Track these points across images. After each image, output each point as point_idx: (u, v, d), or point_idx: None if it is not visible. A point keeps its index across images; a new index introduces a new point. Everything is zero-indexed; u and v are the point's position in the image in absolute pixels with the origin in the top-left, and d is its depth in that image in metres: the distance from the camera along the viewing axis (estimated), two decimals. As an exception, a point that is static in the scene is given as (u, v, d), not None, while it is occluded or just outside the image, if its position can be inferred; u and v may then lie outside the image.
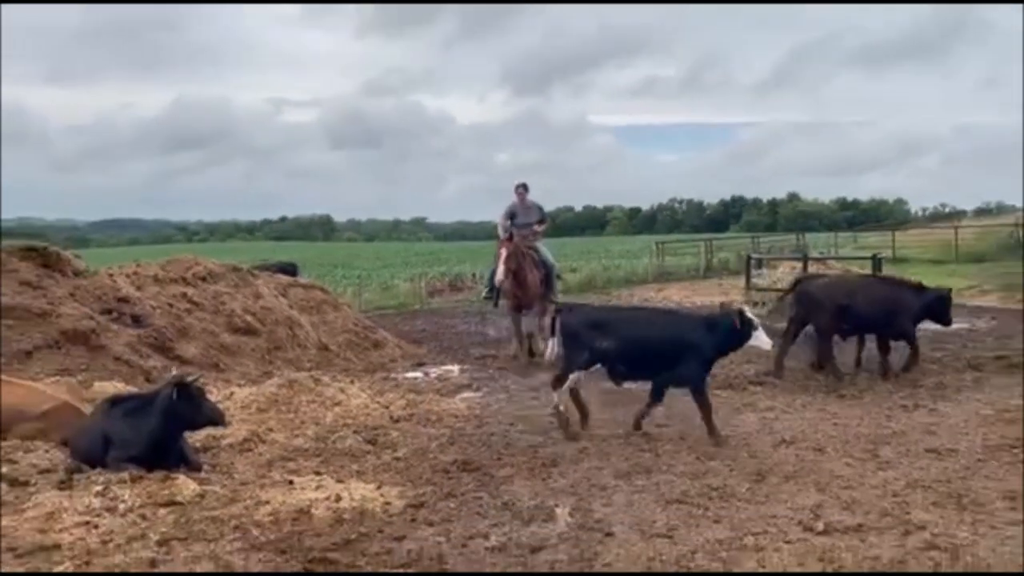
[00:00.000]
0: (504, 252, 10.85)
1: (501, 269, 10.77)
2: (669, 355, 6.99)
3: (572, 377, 7.13)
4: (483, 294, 12.79)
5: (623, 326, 7.23)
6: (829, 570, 4.20)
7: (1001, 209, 60.97)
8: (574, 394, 7.25)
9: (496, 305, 12.21)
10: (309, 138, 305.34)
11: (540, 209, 12.03)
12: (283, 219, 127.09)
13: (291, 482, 5.73)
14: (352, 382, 9.17)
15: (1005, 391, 8.47)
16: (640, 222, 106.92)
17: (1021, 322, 13.35)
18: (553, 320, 7.42)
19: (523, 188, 11.76)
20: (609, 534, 4.76)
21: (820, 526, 4.79)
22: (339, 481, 5.77)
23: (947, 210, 74.68)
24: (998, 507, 5.09)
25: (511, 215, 11.62)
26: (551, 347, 7.47)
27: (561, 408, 7.14)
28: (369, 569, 4.37)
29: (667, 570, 4.26)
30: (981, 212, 61.31)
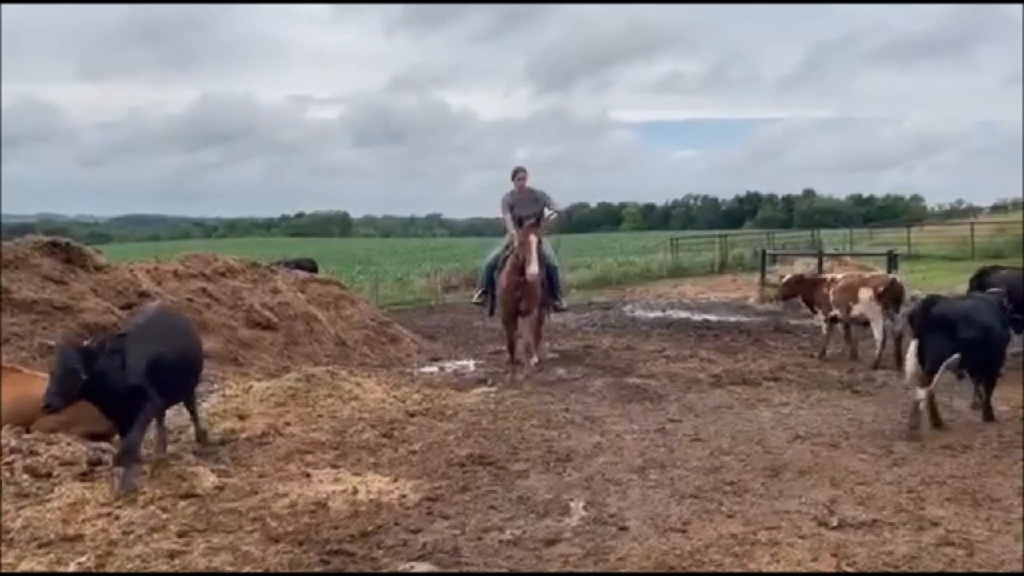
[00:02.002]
0: (533, 239, 9.32)
1: (534, 262, 9.25)
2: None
3: (936, 376, 6.77)
4: (475, 298, 11.00)
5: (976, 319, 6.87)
6: (844, 565, 4.21)
7: (1017, 206, 60.31)
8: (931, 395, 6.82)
9: (492, 312, 10.47)
10: (333, 135, 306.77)
11: (544, 196, 10.06)
12: (300, 215, 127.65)
13: (308, 475, 5.81)
14: (369, 377, 9.24)
15: (1019, 388, 8.41)
16: (654, 218, 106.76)
17: None
18: (917, 315, 6.95)
19: (523, 173, 10.04)
20: (623, 528, 4.80)
21: (834, 521, 4.80)
22: (356, 474, 5.84)
23: (963, 207, 74.02)
24: (1013, 504, 5.08)
25: (510, 207, 9.90)
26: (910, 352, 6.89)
27: (922, 407, 6.74)
28: (385, 561, 4.43)
29: (681, 564, 4.29)
30: (997, 209, 60.64)
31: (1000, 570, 4.14)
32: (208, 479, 5.56)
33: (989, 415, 7.13)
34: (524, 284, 9.49)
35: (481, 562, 4.38)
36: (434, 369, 10.69)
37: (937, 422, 6.96)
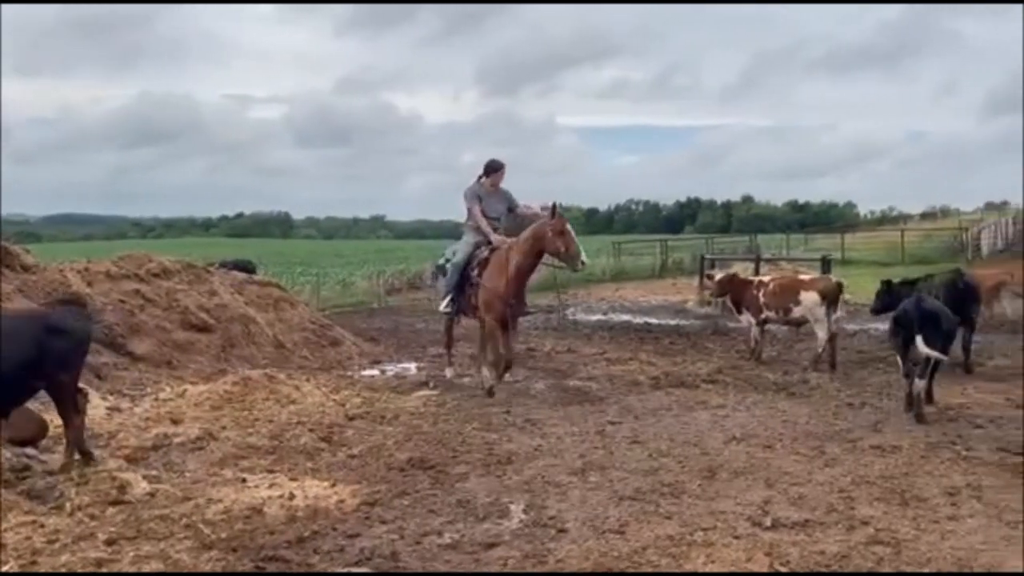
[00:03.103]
0: (570, 227, 8.56)
1: (583, 252, 8.59)
2: None
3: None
4: (443, 306, 9.41)
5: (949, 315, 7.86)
6: (777, 565, 4.29)
7: (946, 213, 62.56)
8: None
9: (454, 318, 9.64)
10: (276, 135, 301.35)
11: (511, 197, 9.24)
12: (240, 216, 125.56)
13: (244, 480, 5.70)
14: (308, 380, 9.12)
15: (946, 389, 8.71)
16: (597, 222, 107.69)
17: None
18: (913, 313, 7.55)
19: (503, 171, 9.13)
20: (562, 530, 4.80)
21: (768, 521, 4.88)
22: (293, 479, 5.75)
23: (894, 213, 76.40)
24: (939, 503, 5.23)
25: (479, 198, 9.06)
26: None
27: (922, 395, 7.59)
28: (322, 567, 4.36)
29: (619, 565, 4.32)
30: (926, 216, 62.84)
31: (926, 568, 4.25)
32: (138, 485, 5.41)
33: (930, 398, 7.80)
34: (519, 287, 8.78)
35: (420, 566, 4.35)
36: (375, 372, 10.60)
37: (918, 414, 7.50)
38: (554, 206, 8.62)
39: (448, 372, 9.75)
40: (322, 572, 4.32)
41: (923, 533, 4.72)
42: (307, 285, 23.08)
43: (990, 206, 57.87)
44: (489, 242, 8.97)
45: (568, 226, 8.54)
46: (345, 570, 4.32)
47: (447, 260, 9.42)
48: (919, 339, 7.47)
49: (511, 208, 9.22)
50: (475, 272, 8.92)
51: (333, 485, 5.62)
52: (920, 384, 7.60)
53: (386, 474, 5.92)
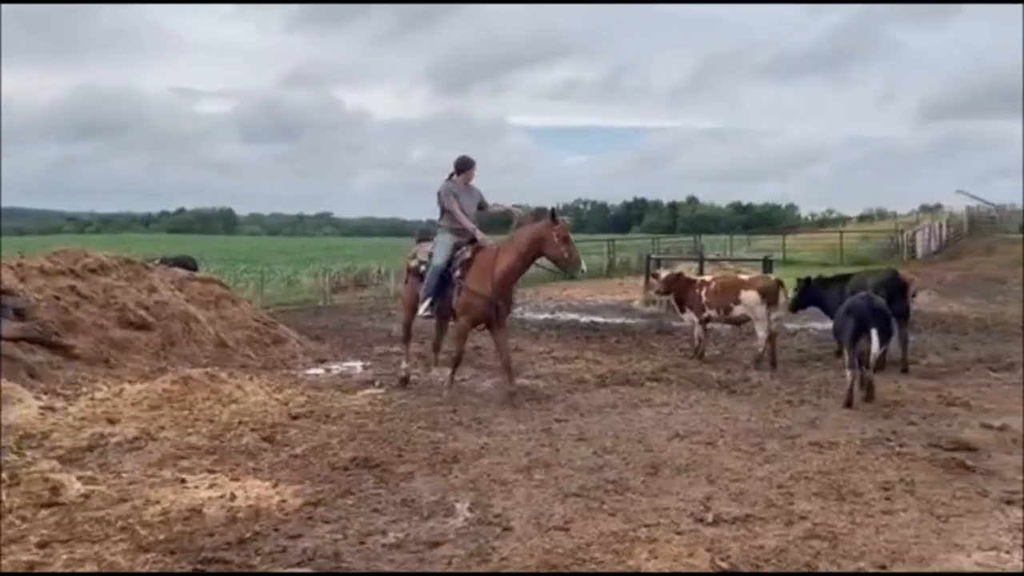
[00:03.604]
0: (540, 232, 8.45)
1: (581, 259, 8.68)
2: None
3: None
4: (422, 310, 8.84)
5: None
6: (717, 560, 4.35)
7: (882, 215, 64.34)
8: None
9: (439, 319, 9.18)
10: (221, 130, 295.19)
11: (481, 195, 9.04)
12: (182, 211, 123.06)
13: (183, 481, 5.59)
14: (250, 379, 8.96)
15: (882, 386, 8.95)
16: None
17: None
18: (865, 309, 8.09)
19: (474, 168, 8.93)
20: (507, 528, 4.81)
21: (710, 517, 4.95)
22: (234, 479, 5.66)
23: (834, 216, 78.35)
24: (874, 497, 5.37)
25: (455, 195, 8.77)
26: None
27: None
28: (263, 568, 4.30)
29: (563, 562, 4.34)
30: (864, 218, 64.57)
31: (860, 561, 4.36)
32: (73, 487, 5.26)
33: (872, 395, 8.24)
34: (507, 288, 8.63)
35: (363, 566, 4.31)
36: (320, 371, 10.47)
37: (868, 398, 8.20)
38: (554, 211, 8.66)
39: (404, 365, 9.49)
40: (263, 573, 4.26)
41: (858, 527, 4.84)
42: (251, 282, 22.73)
43: (925, 209, 59.66)
44: (473, 240, 8.71)
45: (560, 237, 8.43)
46: (287, 571, 4.27)
47: (422, 262, 8.99)
48: (873, 333, 7.94)
49: (481, 206, 9.02)
50: (456, 273, 8.61)
51: (275, 485, 5.55)
52: (870, 374, 8.20)
53: (330, 474, 5.86)
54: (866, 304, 8.28)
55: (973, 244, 35.18)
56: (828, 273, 12.91)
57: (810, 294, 11.21)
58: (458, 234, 8.75)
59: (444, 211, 8.83)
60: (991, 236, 36.31)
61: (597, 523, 4.88)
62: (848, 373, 8.20)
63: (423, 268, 8.91)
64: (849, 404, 7.98)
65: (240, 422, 7.17)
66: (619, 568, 4.25)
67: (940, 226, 38.28)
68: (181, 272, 13.27)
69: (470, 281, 8.53)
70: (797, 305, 11.36)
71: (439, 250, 8.75)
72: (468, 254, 8.66)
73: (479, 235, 8.76)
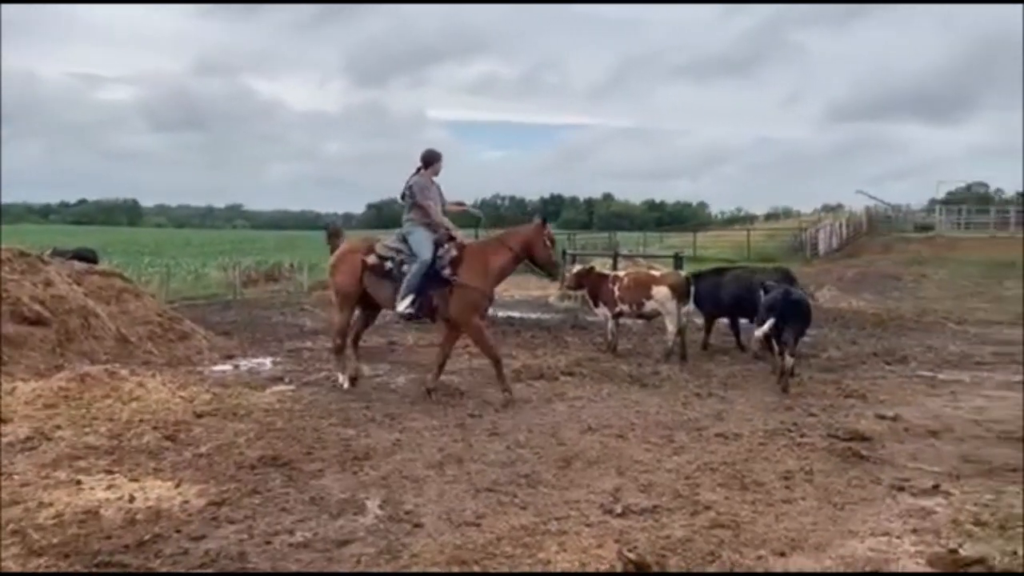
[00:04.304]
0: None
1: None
2: None
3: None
4: (404, 307, 8.32)
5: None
6: (625, 551, 4.41)
7: (787, 214, 66.66)
8: None
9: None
10: (126, 118, 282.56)
11: (441, 191, 8.80)
12: (83, 202, 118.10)
13: (79, 482, 5.35)
14: (153, 376, 8.65)
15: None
16: (463, 216, 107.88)
17: None
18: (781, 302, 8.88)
19: (440, 158, 8.66)
20: (418, 525, 4.78)
21: (619, 509, 5.04)
22: (133, 480, 5.45)
23: (742, 214, 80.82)
24: (776, 487, 5.55)
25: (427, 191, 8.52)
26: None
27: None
28: (163, 571, 4.16)
29: (474, 557, 4.33)
30: (770, 217, 66.83)
31: (761, 549, 4.49)
32: (-43, 491, 4.98)
33: (787, 381, 8.81)
34: (493, 288, 8.63)
35: (269, 566, 4.21)
36: (227, 367, 10.18)
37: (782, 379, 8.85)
38: (544, 218, 8.93)
39: (342, 378, 8.89)
40: (163, 574, 4.12)
41: (760, 515, 5.00)
42: (155, 276, 21.93)
43: (827, 208, 61.95)
44: (451, 238, 8.49)
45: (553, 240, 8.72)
46: (188, 573, 4.14)
47: (386, 258, 8.51)
48: (768, 326, 8.80)
49: (443, 202, 8.74)
50: (447, 271, 8.31)
51: (178, 485, 5.37)
52: (790, 361, 8.89)
53: (235, 473, 5.70)
54: (781, 298, 9.04)
55: (871, 242, 36.74)
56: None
57: (697, 289, 11.59)
58: (431, 229, 8.49)
59: (414, 205, 8.49)
60: (888, 235, 37.96)
61: (508, 517, 4.90)
62: (776, 360, 9.04)
63: (388, 265, 8.48)
64: (785, 390, 8.65)
65: (141, 420, 6.91)
66: (529, 561, 4.27)
67: (841, 225, 39.84)
68: (80, 265, 12.72)
69: (469, 278, 8.32)
70: None
71: (422, 245, 8.36)
72: (455, 252, 8.41)
73: (457, 233, 8.60)
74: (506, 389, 8.25)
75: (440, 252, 8.37)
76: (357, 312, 9.07)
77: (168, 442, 6.39)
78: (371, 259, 8.58)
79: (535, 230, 8.67)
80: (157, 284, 19.49)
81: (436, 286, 8.32)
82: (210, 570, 4.17)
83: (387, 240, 8.73)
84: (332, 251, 9.29)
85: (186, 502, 5.07)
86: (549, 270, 9.18)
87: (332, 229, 9.86)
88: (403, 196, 8.63)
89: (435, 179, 8.68)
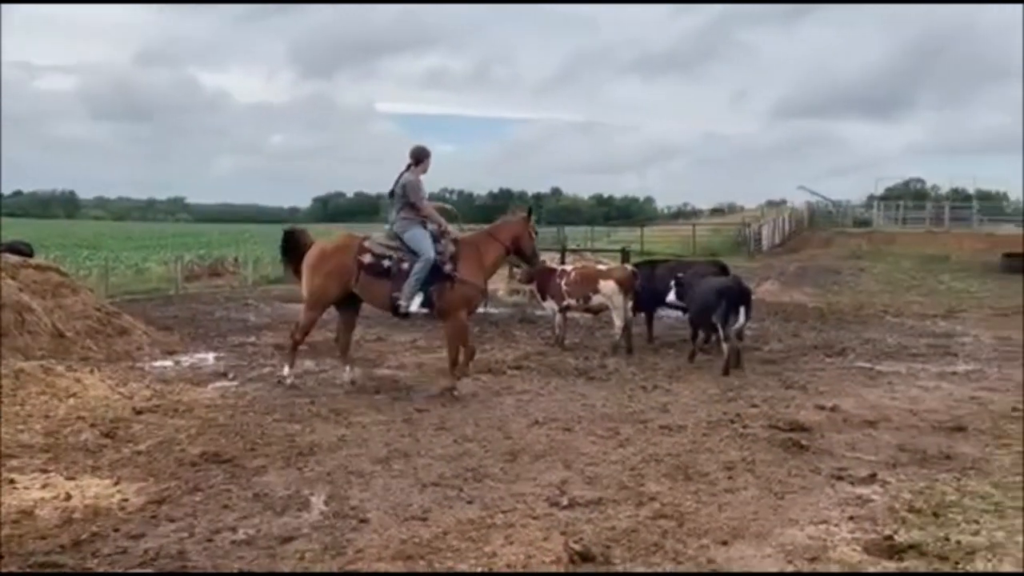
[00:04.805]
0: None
1: None
2: None
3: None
4: (415, 306, 8.24)
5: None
6: (571, 542, 4.44)
7: (732, 209, 67.81)
8: None
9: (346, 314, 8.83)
10: (66, 108, 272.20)
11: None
12: (18, 194, 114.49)
13: (12, 481, 5.21)
14: (91, 372, 8.45)
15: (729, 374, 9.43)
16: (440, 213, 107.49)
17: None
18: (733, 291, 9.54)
19: (430, 155, 8.64)
20: (364, 520, 4.75)
21: (565, 501, 5.07)
22: (70, 478, 5.33)
23: (688, 209, 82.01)
24: (719, 477, 5.65)
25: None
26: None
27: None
28: (101, 571, 4.06)
29: (420, 552, 4.32)
30: (715, 212, 67.95)
31: (704, 538, 4.56)
32: None
33: (731, 364, 9.47)
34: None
35: (210, 565, 4.14)
36: (168, 363, 9.97)
37: (737, 364, 9.56)
38: (530, 210, 9.08)
39: (287, 370, 8.66)
40: (100, 574, 4.03)
41: (703, 505, 5.08)
42: (94, 270, 21.38)
43: (770, 203, 63.19)
44: (443, 234, 8.42)
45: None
46: (126, 573, 4.05)
47: (390, 257, 8.29)
48: (742, 310, 9.51)
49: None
50: (448, 266, 8.27)
51: (116, 483, 5.26)
52: (737, 344, 9.64)
53: (176, 470, 5.60)
54: (736, 286, 9.79)
55: (813, 237, 37.57)
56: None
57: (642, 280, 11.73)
58: (425, 226, 8.40)
59: (408, 204, 8.37)
60: (829, 230, 38.85)
61: (455, 511, 4.90)
62: (724, 346, 9.57)
63: (386, 263, 8.28)
64: (727, 372, 9.28)
65: (78, 418, 6.75)
66: (475, 555, 4.28)
67: (783, 220, 40.67)
68: (14, 258, 12.30)
69: (468, 274, 8.32)
70: None
71: (422, 243, 8.25)
72: (452, 248, 8.36)
73: (453, 230, 8.58)
74: (454, 384, 8.25)
75: (439, 248, 8.30)
76: (341, 321, 8.81)
77: (106, 439, 6.25)
78: (367, 258, 8.33)
79: (522, 223, 8.83)
80: (96, 278, 18.99)
81: (436, 282, 8.25)
82: (149, 569, 4.09)
83: (377, 238, 8.54)
84: (293, 250, 8.78)
85: (125, 500, 4.96)
86: (533, 262, 9.45)
87: (297, 230, 9.36)
88: (392, 194, 8.52)
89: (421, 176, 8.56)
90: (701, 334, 10.48)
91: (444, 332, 8.66)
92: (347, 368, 8.75)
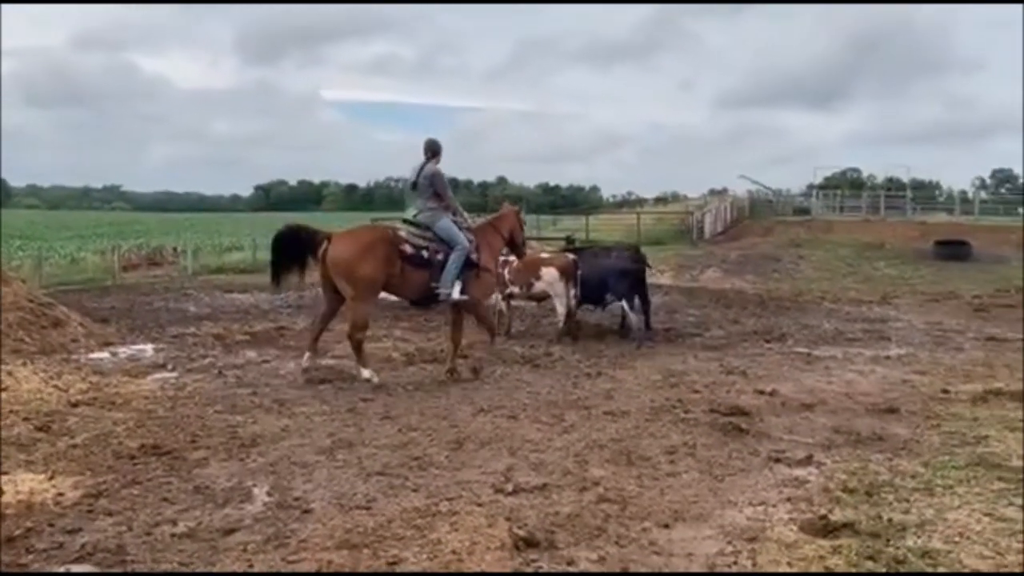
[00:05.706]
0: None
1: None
2: None
3: None
4: (456, 293, 8.50)
5: None
6: (515, 528, 4.47)
7: (676, 198, 68.64)
8: None
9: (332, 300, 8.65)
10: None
11: None
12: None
13: (-60, 479, 5.03)
14: (24, 364, 8.22)
15: (670, 359, 9.59)
16: (356, 199, 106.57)
17: (685, 296, 15.13)
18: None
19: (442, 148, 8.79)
20: (307, 511, 4.72)
21: (510, 487, 5.10)
22: (2, 473, 5.17)
23: (633, 198, 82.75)
24: (661, 461, 5.74)
25: None
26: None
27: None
28: (36, 567, 3.97)
29: (364, 541, 4.30)
30: (660, 200, 68.72)
31: (646, 521, 4.63)
32: None
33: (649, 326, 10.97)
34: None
35: (149, 558, 4.07)
36: (105, 355, 9.74)
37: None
38: (521, 201, 9.39)
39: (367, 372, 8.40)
40: (36, 572, 3.93)
41: (646, 489, 5.16)
42: (27, 260, 20.75)
43: (713, 192, 64.04)
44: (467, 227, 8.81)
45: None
46: (63, 569, 3.96)
47: (427, 247, 8.41)
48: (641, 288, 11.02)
49: None
50: (475, 255, 8.61)
51: (51, 478, 5.13)
52: (641, 318, 11.02)
53: (114, 463, 5.49)
54: (638, 268, 11.28)
55: (753, 226, 38.17)
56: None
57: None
58: (457, 217, 8.76)
59: (434, 194, 8.58)
60: (769, 219, 39.53)
61: (400, 500, 4.89)
62: (633, 317, 11.01)
63: (425, 253, 8.40)
64: (640, 345, 10.24)
65: (11, 411, 6.56)
66: (420, 543, 4.28)
67: (725, 209, 41.25)
68: (-61, 248, 11.90)
69: (487, 262, 8.87)
70: None
71: (453, 233, 8.52)
72: (472, 237, 8.68)
73: (468, 219, 9.01)
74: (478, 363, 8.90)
75: (468, 238, 8.65)
76: (325, 308, 8.68)
77: (40, 433, 6.10)
78: (408, 249, 8.40)
79: (515, 215, 9.44)
80: (29, 269, 18.45)
81: (466, 270, 8.56)
82: (86, 564, 4.00)
83: (407, 228, 8.64)
84: (298, 247, 8.48)
85: (60, 494, 4.85)
86: (521, 252, 9.83)
87: (300, 226, 8.92)
88: (414, 185, 8.66)
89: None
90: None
91: (471, 317, 9.03)
92: (307, 355, 8.61)
